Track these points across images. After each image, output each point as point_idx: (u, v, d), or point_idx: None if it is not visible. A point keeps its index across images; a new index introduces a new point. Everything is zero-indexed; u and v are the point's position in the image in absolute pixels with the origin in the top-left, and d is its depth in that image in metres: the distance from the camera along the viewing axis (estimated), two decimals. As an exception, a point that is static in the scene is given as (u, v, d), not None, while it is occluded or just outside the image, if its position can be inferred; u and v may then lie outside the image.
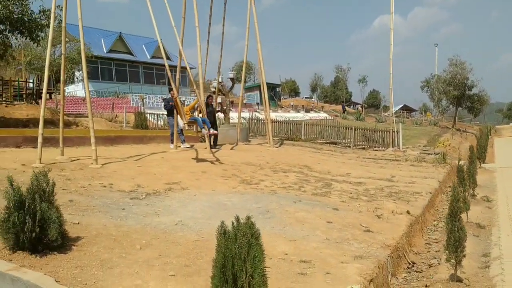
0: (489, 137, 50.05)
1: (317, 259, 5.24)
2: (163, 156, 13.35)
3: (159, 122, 26.76)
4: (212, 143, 15.60)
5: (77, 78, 48.72)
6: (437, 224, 9.17)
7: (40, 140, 10.90)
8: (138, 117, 23.00)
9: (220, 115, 25.46)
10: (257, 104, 50.99)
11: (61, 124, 12.30)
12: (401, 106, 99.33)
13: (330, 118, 54.36)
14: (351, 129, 20.40)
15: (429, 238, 8.13)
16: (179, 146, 15.55)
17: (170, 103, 15.55)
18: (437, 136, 33.73)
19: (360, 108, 68.12)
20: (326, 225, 6.71)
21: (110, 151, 14.50)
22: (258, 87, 65.66)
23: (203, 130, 12.91)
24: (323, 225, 6.70)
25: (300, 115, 50.32)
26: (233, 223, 3.62)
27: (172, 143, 15.62)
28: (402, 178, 12.46)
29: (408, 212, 8.13)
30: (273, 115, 45.91)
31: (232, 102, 46.93)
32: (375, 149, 19.66)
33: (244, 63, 19.43)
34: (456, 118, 50.17)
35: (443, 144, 26.04)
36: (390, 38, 19.46)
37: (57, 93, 43.11)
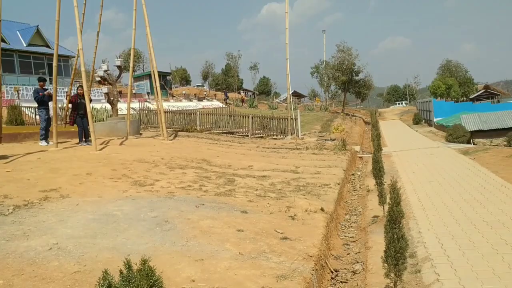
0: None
1: (232, 285, 4.24)
2: (40, 156, 11.54)
3: (37, 116, 24.13)
4: (84, 138, 14.11)
5: None
6: (350, 219, 8.61)
7: None
8: (11, 111, 20.37)
9: (106, 106, 23.49)
10: (148, 93, 48.73)
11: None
12: (291, 92, 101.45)
13: (224, 106, 53.69)
14: (248, 117, 19.60)
15: (345, 236, 7.48)
16: (60, 143, 13.79)
17: (40, 93, 13.74)
18: (329, 122, 34.29)
19: (243, 94, 67.94)
20: (236, 234, 5.72)
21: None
22: (148, 75, 63.15)
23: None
24: (233, 235, 5.70)
25: (193, 104, 49.03)
26: (121, 272, 2.44)
27: (45, 139, 13.79)
28: (306, 168, 11.86)
29: (322, 210, 7.41)
30: (165, 105, 44.13)
31: (120, 92, 44.33)
32: (273, 137, 19.08)
33: (132, 49, 17.77)
34: (344, 103, 51.87)
35: (337, 129, 26.32)
36: (286, 22, 18.90)
37: None
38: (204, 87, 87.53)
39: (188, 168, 11.05)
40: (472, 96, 71.14)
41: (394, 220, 4.06)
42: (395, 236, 4.02)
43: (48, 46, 52.43)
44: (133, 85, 68.14)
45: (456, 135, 23.29)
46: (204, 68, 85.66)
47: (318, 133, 25.57)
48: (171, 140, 16.42)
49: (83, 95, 14.28)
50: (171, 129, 20.10)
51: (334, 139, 21.85)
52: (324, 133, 25.95)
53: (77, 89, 14.75)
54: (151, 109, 23.40)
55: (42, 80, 14.67)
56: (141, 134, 18.10)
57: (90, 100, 15.99)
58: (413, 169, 13.05)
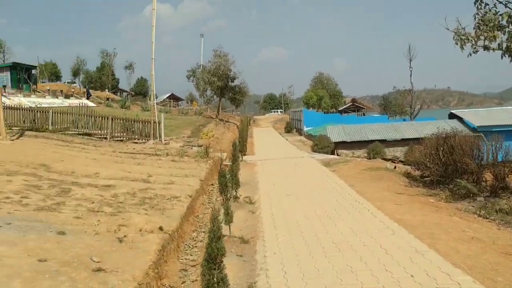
0: (249, 127, 52.91)
1: None
2: None
3: None
4: None
5: None
6: (197, 237, 7.73)
7: None
8: None
9: None
10: (4, 87, 44.21)
11: None
12: (168, 94, 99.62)
13: (93, 105, 50.54)
14: (108, 118, 18.01)
15: (186, 259, 6.57)
16: None
17: None
18: (201, 127, 33.51)
19: (108, 93, 64.88)
20: (35, 266, 4.54)
21: None
22: (9, 67, 57.70)
23: None
24: (31, 266, 4.51)
25: (59, 101, 45.38)
26: None
27: None
28: (160, 177, 10.82)
29: (160, 229, 6.44)
30: (25, 101, 40.36)
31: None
32: (135, 141, 17.71)
33: None
34: (220, 108, 51.51)
35: (207, 135, 25.57)
36: (152, 19, 17.72)
37: None
38: (75, 84, 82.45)
39: (18, 174, 9.45)
40: (340, 108, 75.14)
41: (213, 259, 3.21)
42: (215, 280, 3.17)
43: None
44: (-12, 77, 61.92)
45: (321, 145, 23.71)
46: (75, 64, 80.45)
47: (187, 138, 24.60)
48: (11, 140, 14.39)
49: None
50: (18, 128, 17.83)
51: (201, 145, 21.02)
52: (193, 138, 25.05)
53: None
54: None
55: None
56: (-22, 132, 15.73)
57: None
58: (275, 180, 12.62)
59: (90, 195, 8.36)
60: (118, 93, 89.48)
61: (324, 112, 57.48)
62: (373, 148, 23.33)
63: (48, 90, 52.43)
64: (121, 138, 17.88)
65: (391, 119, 52.17)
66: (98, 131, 18.01)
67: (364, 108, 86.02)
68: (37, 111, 18.87)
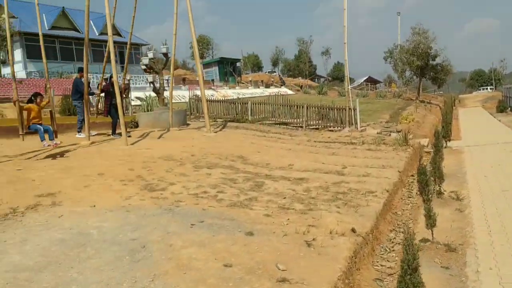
0: (454, 108, 48.81)
1: None
2: (63, 151, 10.78)
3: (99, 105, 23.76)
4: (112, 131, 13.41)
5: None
6: (395, 238, 6.97)
7: None
8: (64, 100, 20.09)
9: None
10: (212, 80, 48.17)
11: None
12: (365, 78, 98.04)
13: (291, 93, 52.12)
14: (303, 107, 18.04)
15: (381, 265, 5.89)
16: (93, 135, 13.15)
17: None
18: (400, 110, 31.85)
19: (300, 81, 65.31)
20: (220, 271, 4.37)
21: (7, 145, 11.86)
22: (217, 62, 62.86)
23: (44, 142, 10.32)
24: (216, 272, 4.35)
25: (259, 91, 47.88)
26: None
27: (81, 131, 13.15)
28: (355, 169, 10.23)
29: (353, 231, 5.87)
30: (230, 92, 43.45)
31: (184, 79, 44.05)
32: (330, 129, 17.42)
33: (173, 35, 16.48)
34: (420, 89, 48.61)
35: (406, 119, 24.08)
36: (344, 2, 17.08)
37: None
38: (275, 74, 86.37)
39: (217, 167, 9.81)
40: None
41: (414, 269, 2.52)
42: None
43: (119, 35, 53.21)
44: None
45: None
46: (274, 54, 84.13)
47: (385, 123, 23.48)
48: (215, 132, 15.25)
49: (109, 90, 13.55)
50: (222, 120, 18.98)
51: (400, 131, 19.79)
52: (391, 123, 23.83)
53: (109, 78, 13.90)
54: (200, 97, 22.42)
55: (81, 70, 14.11)
56: (188, 124, 17.10)
57: (126, 89, 15.23)
58: (486, 171, 10.98)
59: (282, 189, 8.19)
60: (316, 79, 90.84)
61: (546, 86, 49.92)
62: None
63: (250, 81, 55.61)
64: (317, 126, 17.74)
65: None
66: (293, 120, 18.17)
67: None
68: (237, 103, 19.85)
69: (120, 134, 12.88)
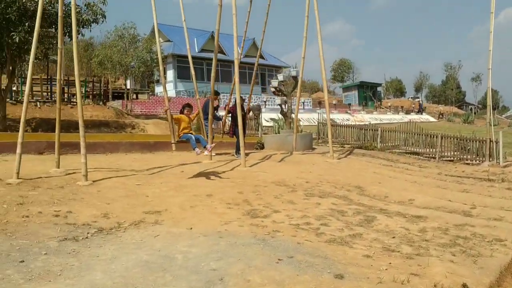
0: None
1: None
2: (184, 169, 11.18)
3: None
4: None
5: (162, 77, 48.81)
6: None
7: (18, 150, 9.10)
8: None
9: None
10: (349, 104, 47.51)
11: (57, 128, 10.37)
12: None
13: (433, 120, 49.27)
14: (436, 137, 16.71)
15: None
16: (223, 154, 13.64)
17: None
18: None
19: (440, 108, 60.73)
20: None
21: (135, 160, 12.69)
22: (357, 86, 62.06)
23: (196, 150, 10.25)
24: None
25: (399, 117, 46.16)
26: None
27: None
28: (486, 210, 9.07)
29: (464, 287, 5.05)
30: (366, 117, 42.42)
31: (320, 102, 43.95)
32: (466, 162, 15.88)
33: (302, 58, 16.30)
34: None
35: None
36: (490, 25, 15.54)
37: (148, 93, 43.28)
38: (419, 99, 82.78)
39: (329, 196, 9.37)
40: None
41: None
42: None
43: (262, 57, 55.24)
44: (340, 95, 67.92)
45: None
46: (418, 79, 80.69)
47: (537, 159, 20.96)
48: (338, 159, 14.75)
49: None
50: (349, 145, 18.38)
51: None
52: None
53: (242, 101, 14.21)
54: (337, 121, 21.96)
55: (216, 94, 14.73)
56: (313, 149, 16.82)
57: (252, 111, 15.46)
58: None
59: (394, 227, 7.49)
60: (464, 107, 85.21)
61: None
62: None
63: (389, 106, 53.87)
64: (451, 158, 16.32)
65: None
66: (426, 149, 16.94)
67: None
68: (368, 129, 19.09)
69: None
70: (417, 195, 10.13)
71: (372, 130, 18.82)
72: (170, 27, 52.43)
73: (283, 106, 16.95)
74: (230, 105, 15.01)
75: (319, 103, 40.66)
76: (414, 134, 17.93)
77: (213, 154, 13.68)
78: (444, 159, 16.37)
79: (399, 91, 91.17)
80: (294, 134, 15.47)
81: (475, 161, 15.85)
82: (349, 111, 40.87)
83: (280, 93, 17.10)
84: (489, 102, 15.92)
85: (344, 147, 18.27)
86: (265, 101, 43.45)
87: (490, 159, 15.56)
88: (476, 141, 16.21)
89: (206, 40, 51.99)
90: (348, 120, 37.87)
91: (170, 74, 50.07)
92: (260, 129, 21.33)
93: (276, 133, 19.48)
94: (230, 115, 14.66)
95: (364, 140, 18.49)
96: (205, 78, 50.24)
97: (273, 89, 17.45)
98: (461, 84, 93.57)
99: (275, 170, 11.88)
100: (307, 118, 33.59)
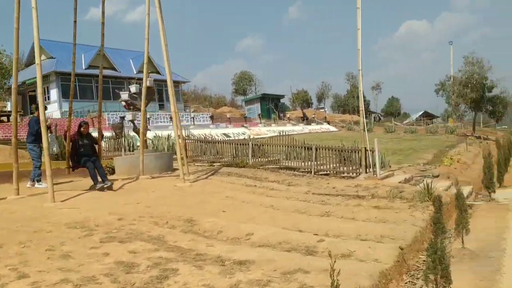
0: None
1: None
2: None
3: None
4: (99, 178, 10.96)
5: (47, 97, 44.59)
6: None
7: None
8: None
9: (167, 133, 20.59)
10: (245, 118, 45.88)
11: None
12: (421, 112, 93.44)
13: (334, 129, 48.79)
14: (310, 149, 14.92)
15: None
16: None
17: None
18: (448, 148, 27.99)
19: (343, 117, 61.06)
20: None
21: None
22: (259, 99, 60.80)
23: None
24: None
25: (299, 128, 45.12)
26: None
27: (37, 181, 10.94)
28: (337, 242, 7.08)
29: None
30: (264, 130, 40.79)
31: (212, 117, 41.84)
32: (343, 175, 14.19)
33: (145, 57, 13.86)
34: (475, 124, 44.05)
35: (450, 160, 20.39)
36: (358, 21, 14.00)
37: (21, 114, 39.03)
38: (324, 110, 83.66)
39: (135, 240, 6.95)
40: None
41: None
42: None
43: (158, 73, 52.46)
44: (243, 109, 66.52)
45: None
46: (320, 89, 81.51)
47: (423, 165, 19.94)
48: (193, 181, 12.44)
49: (87, 134, 11.21)
50: (219, 163, 16.13)
51: (437, 176, 16.28)
52: (432, 164, 20.25)
53: (79, 126, 11.49)
54: (204, 136, 19.71)
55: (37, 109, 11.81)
56: (174, 170, 14.37)
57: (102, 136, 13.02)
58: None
59: (195, 285, 5.21)
60: (368, 115, 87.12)
61: None
62: None
63: (288, 118, 53.09)
64: (327, 172, 14.53)
65: None
66: (302, 163, 15.06)
67: None
68: (242, 144, 16.93)
69: (103, 182, 10.56)
70: (261, 227, 7.99)
71: (242, 144, 16.68)
72: (53, 42, 48.38)
73: (135, 122, 14.45)
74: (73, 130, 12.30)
75: (211, 118, 38.46)
76: (287, 147, 16.04)
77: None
78: (320, 173, 14.56)
79: (306, 102, 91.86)
80: (141, 155, 12.93)
81: (353, 173, 14.15)
82: (245, 125, 39.04)
83: (132, 107, 14.56)
84: (361, 106, 14.38)
85: (213, 165, 16.02)
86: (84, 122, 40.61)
87: (367, 171, 13.93)
88: (354, 152, 14.54)
89: (94, 56, 48.45)
90: (244, 134, 36.04)
91: (54, 93, 45.99)
92: (124, 150, 18.61)
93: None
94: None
95: (238, 156, 16.32)
96: (95, 97, 46.65)
97: (123, 103, 14.86)
98: (365, 94, 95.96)
99: (91, 204, 9.29)
100: (196, 134, 31.32)
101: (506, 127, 78.81)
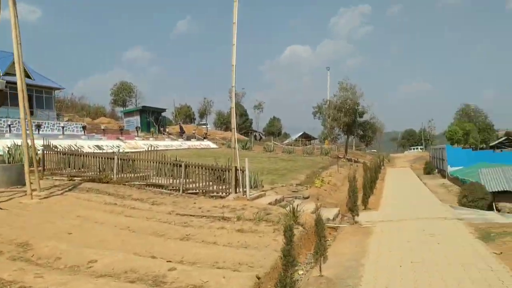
0: (383, 167, 46.72)
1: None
2: None
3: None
4: None
5: None
6: None
7: None
8: None
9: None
10: (121, 130, 43.86)
11: None
12: (301, 133, 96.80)
13: (214, 146, 48.47)
14: (180, 166, 14.20)
15: None
16: None
17: None
18: (322, 170, 28.81)
19: (203, 128, 61.19)
20: None
21: None
22: (139, 111, 58.75)
23: None
24: None
25: (177, 144, 43.98)
26: None
27: None
28: (188, 272, 6.40)
29: None
30: (141, 143, 39.12)
31: (84, 127, 39.41)
32: (212, 195, 13.63)
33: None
34: (347, 147, 46.35)
35: (321, 182, 20.82)
36: (234, 37, 13.72)
37: None
38: (206, 126, 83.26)
39: None
40: (492, 144, 65.08)
41: None
42: None
43: (29, 77, 48.39)
44: (122, 121, 63.97)
45: (472, 197, 17.42)
46: (202, 105, 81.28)
47: (296, 186, 20.10)
48: (45, 197, 11.08)
49: None
50: (80, 178, 14.74)
51: (307, 197, 16.38)
52: (305, 185, 20.50)
53: None
54: (52, 147, 18.08)
55: None
56: (23, 185, 12.73)
57: None
58: (393, 276, 7.39)
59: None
60: (249, 134, 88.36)
61: (473, 149, 49.11)
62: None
63: (167, 132, 51.90)
64: (196, 191, 13.87)
65: None
66: (170, 181, 14.24)
67: (524, 143, 74.27)
68: (103, 158, 15.63)
69: None
70: (108, 252, 7.07)
71: (107, 158, 15.46)
72: None
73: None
74: None
75: (84, 128, 36.09)
76: (156, 163, 15.15)
77: None
78: (190, 192, 13.85)
79: (189, 117, 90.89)
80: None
81: (223, 193, 13.63)
82: (121, 137, 37.16)
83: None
84: (234, 123, 14.03)
85: (74, 179, 14.59)
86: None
87: (238, 191, 13.51)
88: (225, 171, 14.04)
89: (11, 63, 43.68)
90: (118, 146, 34.10)
91: None
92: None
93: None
94: None
95: (105, 170, 15.04)
96: (9, 104, 41.86)
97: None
98: (247, 112, 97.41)
99: None
100: (68, 144, 29.06)
101: (375, 151, 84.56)
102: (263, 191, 15.75)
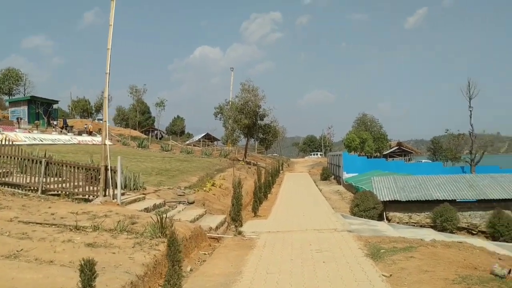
0: (281, 171, 46.47)
1: None
2: None
3: None
4: None
5: None
6: None
7: None
8: None
9: None
10: (19, 120, 39.72)
11: None
12: (204, 134, 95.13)
13: (109, 143, 45.47)
14: (40, 163, 12.08)
15: None
16: None
17: None
18: (217, 172, 27.45)
19: (90, 126, 57.63)
20: None
21: None
22: (27, 101, 53.96)
23: None
24: None
25: (66, 138, 40.55)
26: None
27: None
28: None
29: None
30: (22, 136, 35.44)
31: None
32: (77, 197, 11.70)
33: None
34: (247, 149, 45.49)
35: (212, 185, 19.42)
36: (109, 39, 11.86)
37: None
38: (101, 121, 78.52)
39: None
40: (385, 152, 68.01)
41: None
42: None
43: None
44: (7, 111, 58.55)
45: (364, 206, 16.89)
46: (99, 99, 77.03)
47: (184, 188, 18.52)
48: None
49: None
50: None
51: (192, 202, 14.88)
52: (195, 188, 18.97)
53: None
54: None
55: None
56: None
57: None
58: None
59: None
60: (150, 132, 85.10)
61: (368, 157, 50.44)
62: (440, 211, 16.38)
63: (55, 125, 48.03)
64: (58, 192, 11.83)
65: (445, 166, 44.95)
66: (28, 179, 12.06)
67: (411, 153, 78.57)
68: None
69: None
70: None
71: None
72: None
73: None
74: None
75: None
76: (11, 157, 12.83)
77: None
78: (51, 193, 11.78)
79: (87, 112, 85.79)
80: None
81: (91, 196, 11.72)
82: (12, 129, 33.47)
83: None
84: (105, 115, 12.25)
85: None
86: None
87: (108, 193, 11.67)
88: (87, 169, 12.10)
89: None
90: (-8, 138, 30.28)
91: None
92: None
93: None
94: None
95: None
96: None
97: None
98: (150, 110, 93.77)
99: None
100: None
101: (276, 155, 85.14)
102: (143, 194, 14.05)
